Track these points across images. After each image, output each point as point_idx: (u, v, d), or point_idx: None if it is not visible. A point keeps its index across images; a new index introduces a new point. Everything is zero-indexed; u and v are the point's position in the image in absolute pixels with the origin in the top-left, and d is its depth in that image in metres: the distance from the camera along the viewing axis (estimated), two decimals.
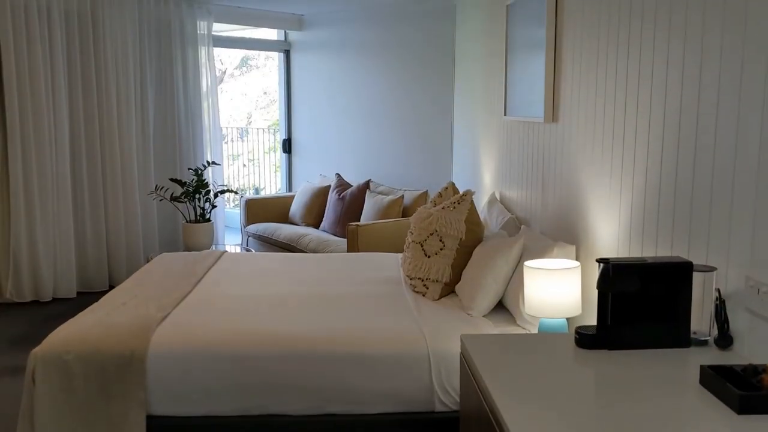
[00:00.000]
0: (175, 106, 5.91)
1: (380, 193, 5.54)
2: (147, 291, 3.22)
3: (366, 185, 5.67)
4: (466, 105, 5.20)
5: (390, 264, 3.91)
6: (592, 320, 2.61)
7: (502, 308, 3.07)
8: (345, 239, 5.09)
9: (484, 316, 2.98)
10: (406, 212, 5.28)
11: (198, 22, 5.95)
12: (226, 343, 2.61)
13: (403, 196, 5.31)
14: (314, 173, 6.79)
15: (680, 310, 1.66)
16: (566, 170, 3.03)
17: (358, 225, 4.83)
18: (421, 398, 2.59)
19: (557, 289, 2.44)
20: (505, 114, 3.93)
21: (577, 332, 1.69)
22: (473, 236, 3.28)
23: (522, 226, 3.51)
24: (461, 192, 3.46)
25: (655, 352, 1.65)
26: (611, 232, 2.52)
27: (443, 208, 3.31)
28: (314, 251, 5.27)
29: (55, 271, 5.17)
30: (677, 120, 2.03)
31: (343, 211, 5.61)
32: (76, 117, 5.24)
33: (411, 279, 3.33)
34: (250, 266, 3.85)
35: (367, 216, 5.37)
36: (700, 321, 1.70)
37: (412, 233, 3.42)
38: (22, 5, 4.85)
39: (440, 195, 3.65)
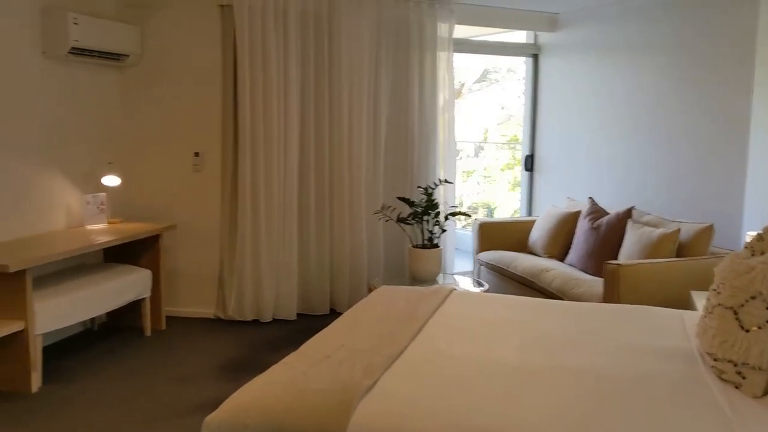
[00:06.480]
0: (410, 118, 5.36)
1: (646, 224, 4.46)
2: (358, 339, 2.59)
3: (627, 213, 4.61)
4: None
5: (670, 326, 2.88)
6: None
7: None
8: (599, 278, 4.12)
9: None
10: (682, 251, 4.15)
11: (438, 24, 5.33)
12: None
13: (679, 230, 4.17)
14: (560, 196, 5.84)
15: None
16: None
17: (619, 264, 3.82)
18: None
19: None
20: None
21: None
22: None
23: None
24: None
25: None
26: None
27: None
28: (558, 290, 4.36)
29: (277, 291, 4.90)
30: None
31: (598, 244, 4.61)
32: (306, 128, 4.93)
33: (715, 360, 2.30)
34: (482, 311, 3.08)
35: (628, 252, 4.32)
36: None
37: (719, 293, 2.39)
38: (259, 6, 4.64)
39: (761, 238, 2.55)
